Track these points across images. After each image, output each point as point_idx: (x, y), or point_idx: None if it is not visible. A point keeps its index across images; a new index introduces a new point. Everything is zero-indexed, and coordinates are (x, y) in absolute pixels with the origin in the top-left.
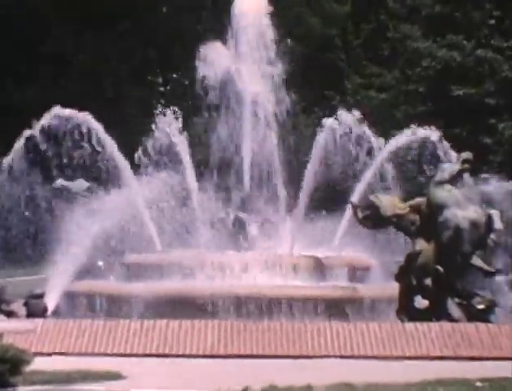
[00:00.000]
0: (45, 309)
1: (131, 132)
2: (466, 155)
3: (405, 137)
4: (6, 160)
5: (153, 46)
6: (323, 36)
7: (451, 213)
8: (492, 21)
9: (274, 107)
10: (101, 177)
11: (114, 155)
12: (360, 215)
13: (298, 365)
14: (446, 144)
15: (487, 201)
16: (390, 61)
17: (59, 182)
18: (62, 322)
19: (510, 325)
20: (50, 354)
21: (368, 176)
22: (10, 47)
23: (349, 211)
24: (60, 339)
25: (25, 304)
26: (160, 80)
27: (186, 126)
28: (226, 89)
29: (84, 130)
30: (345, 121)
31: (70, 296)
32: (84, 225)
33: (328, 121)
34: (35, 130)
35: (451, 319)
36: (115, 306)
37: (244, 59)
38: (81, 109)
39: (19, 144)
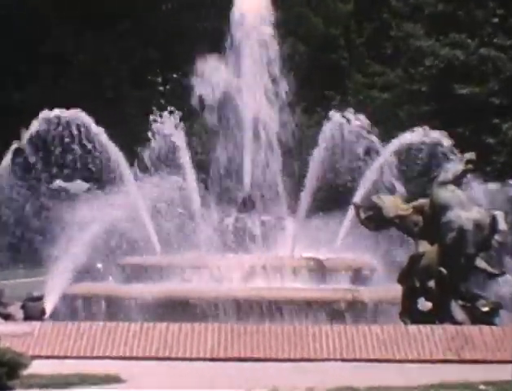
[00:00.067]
0: (43, 312)
1: (131, 132)
2: (470, 155)
3: (408, 137)
4: (3, 162)
5: (153, 45)
6: (325, 35)
7: (454, 214)
8: (496, 19)
9: (275, 109)
10: (100, 177)
11: (112, 155)
12: (363, 216)
13: (300, 368)
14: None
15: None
16: (393, 60)
17: (57, 183)
18: (60, 324)
19: None
20: (48, 357)
21: (370, 176)
22: (10, 47)
23: (351, 212)
24: (58, 342)
25: (23, 306)
26: (160, 79)
27: (186, 126)
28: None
29: (76, 129)
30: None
31: (68, 299)
32: (82, 226)
33: (336, 115)
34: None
35: (454, 322)
36: (114, 309)
37: (245, 75)
38: (81, 109)
39: (18, 146)
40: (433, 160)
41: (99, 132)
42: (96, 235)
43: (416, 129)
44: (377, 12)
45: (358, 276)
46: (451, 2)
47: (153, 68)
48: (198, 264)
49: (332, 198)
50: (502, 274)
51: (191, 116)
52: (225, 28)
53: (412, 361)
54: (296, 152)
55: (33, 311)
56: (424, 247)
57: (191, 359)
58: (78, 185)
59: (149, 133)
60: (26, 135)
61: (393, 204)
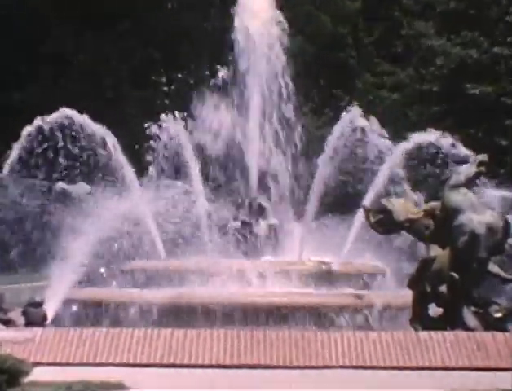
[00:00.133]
0: (44, 318)
1: (133, 132)
2: (482, 157)
3: (418, 139)
4: (5, 164)
5: (156, 45)
6: (333, 33)
7: (466, 218)
8: (509, 18)
9: (281, 108)
10: (103, 180)
11: (116, 158)
12: (372, 219)
13: (308, 375)
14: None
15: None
16: (404, 59)
17: (60, 185)
18: (62, 330)
19: None
20: (49, 364)
21: (380, 179)
22: (10, 47)
23: (361, 215)
24: (60, 348)
25: (24, 312)
26: (164, 80)
27: (191, 126)
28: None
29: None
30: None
31: (71, 304)
32: (85, 230)
33: (348, 114)
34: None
35: (466, 328)
36: (118, 314)
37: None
38: (81, 109)
39: (17, 147)
40: (445, 161)
41: (105, 134)
42: (99, 240)
43: (427, 130)
44: (387, 10)
45: (367, 281)
46: None
47: (156, 68)
48: (204, 269)
49: (340, 201)
50: None
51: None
52: (228, 29)
53: (423, 368)
54: (304, 154)
55: (34, 317)
56: (435, 251)
57: (196, 366)
58: (81, 187)
59: (152, 137)
60: (28, 136)
61: (403, 207)
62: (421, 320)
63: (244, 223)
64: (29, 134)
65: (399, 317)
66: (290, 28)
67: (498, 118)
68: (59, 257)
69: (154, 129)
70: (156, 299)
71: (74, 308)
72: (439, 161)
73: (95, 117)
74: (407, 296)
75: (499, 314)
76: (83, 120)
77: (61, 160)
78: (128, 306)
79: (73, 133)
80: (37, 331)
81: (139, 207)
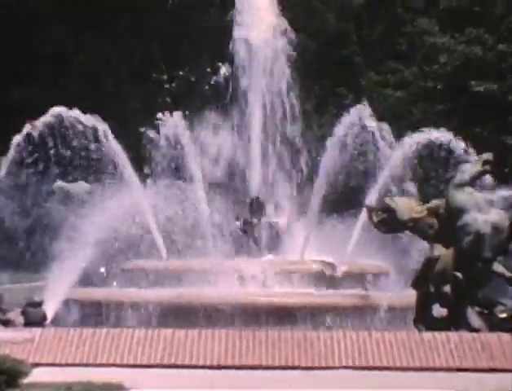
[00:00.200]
0: (43, 318)
1: (134, 130)
2: (487, 156)
3: (421, 136)
4: (2, 163)
5: (156, 42)
6: (336, 30)
7: (471, 217)
8: None
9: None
10: (103, 179)
11: (116, 156)
12: (376, 219)
13: (310, 376)
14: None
15: None
16: (408, 57)
17: (59, 184)
18: (62, 331)
19: None
20: (49, 365)
21: (384, 177)
22: (10, 47)
23: (364, 214)
24: (60, 349)
25: (23, 312)
26: (165, 77)
27: (193, 126)
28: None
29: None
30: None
31: (70, 304)
32: (85, 229)
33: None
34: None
35: (471, 329)
36: (118, 314)
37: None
38: (81, 109)
39: (14, 146)
40: (449, 160)
41: (105, 132)
42: (99, 239)
43: (429, 129)
44: (390, 7)
45: (371, 281)
46: None
47: (156, 66)
48: (205, 269)
49: (343, 200)
50: None
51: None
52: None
53: (426, 369)
54: (306, 152)
55: (33, 317)
56: (439, 250)
57: (197, 367)
58: (80, 186)
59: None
60: (26, 134)
61: (407, 206)
62: (424, 320)
63: (245, 222)
64: (18, 144)
65: (404, 317)
66: (292, 25)
67: (503, 116)
68: (59, 257)
69: (152, 133)
70: (157, 299)
71: (74, 308)
72: (443, 159)
73: (96, 116)
74: (411, 296)
75: (504, 315)
76: (73, 114)
77: (55, 158)
78: (128, 306)
79: (63, 130)
80: (37, 331)
81: (139, 206)
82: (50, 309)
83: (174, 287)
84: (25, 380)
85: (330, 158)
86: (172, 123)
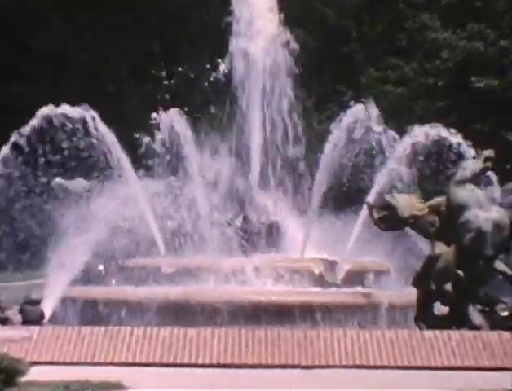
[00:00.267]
0: (41, 316)
1: (134, 128)
2: (488, 152)
3: (422, 133)
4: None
5: (155, 38)
6: (336, 27)
7: (472, 214)
8: None
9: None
10: (102, 176)
11: (115, 153)
12: (376, 216)
13: (310, 375)
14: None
15: None
16: (409, 53)
17: (57, 181)
18: (60, 329)
19: None
20: (47, 364)
21: (384, 174)
22: (10, 47)
23: (364, 211)
24: (58, 347)
25: (21, 310)
26: (164, 74)
27: (192, 122)
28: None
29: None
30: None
31: (69, 302)
32: (83, 227)
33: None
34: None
35: (472, 327)
36: (116, 313)
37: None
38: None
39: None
40: (449, 157)
41: (103, 128)
42: (98, 236)
43: (431, 124)
44: (391, 2)
45: (371, 279)
46: None
47: (155, 62)
48: (204, 267)
49: (344, 197)
50: None
51: (197, 111)
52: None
53: (427, 368)
54: (306, 149)
55: (31, 315)
56: (440, 248)
57: (196, 366)
58: (79, 183)
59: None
60: (24, 131)
61: (408, 203)
62: (425, 319)
63: (245, 220)
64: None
65: (405, 315)
66: (291, 21)
67: (505, 112)
68: (57, 254)
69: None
70: (155, 297)
71: (72, 306)
72: (444, 156)
73: (97, 114)
74: (412, 294)
75: (505, 313)
76: (62, 110)
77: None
78: (127, 304)
79: (52, 130)
80: (35, 329)
81: (137, 203)
82: (48, 307)
83: (171, 285)
84: (23, 379)
85: (330, 155)
86: (170, 119)
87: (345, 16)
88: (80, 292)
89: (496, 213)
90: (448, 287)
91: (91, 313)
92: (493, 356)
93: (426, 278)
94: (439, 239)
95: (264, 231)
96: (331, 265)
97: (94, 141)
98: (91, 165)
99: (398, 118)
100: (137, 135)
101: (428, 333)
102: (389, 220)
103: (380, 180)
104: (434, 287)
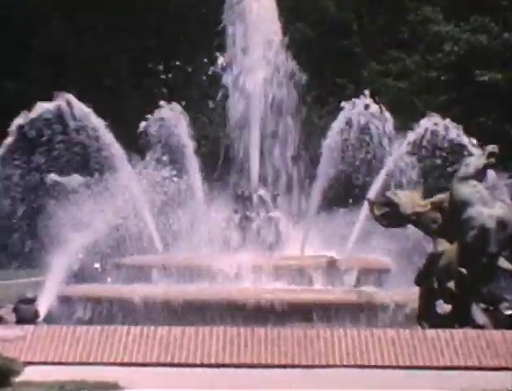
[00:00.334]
0: (36, 315)
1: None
2: (492, 148)
3: (425, 127)
4: None
5: (153, 33)
6: (337, 19)
7: (476, 211)
8: None
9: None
10: (98, 171)
11: (111, 149)
12: (378, 213)
13: (310, 375)
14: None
15: None
16: (411, 46)
17: (52, 177)
18: (55, 328)
19: None
20: (41, 363)
21: (386, 170)
22: (10, 47)
23: (366, 208)
24: (53, 347)
25: (15, 309)
26: (161, 68)
27: (189, 117)
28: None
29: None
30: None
31: (64, 301)
32: (79, 224)
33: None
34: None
35: (476, 326)
36: (112, 311)
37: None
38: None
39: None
40: (453, 152)
41: (98, 123)
42: (93, 233)
43: (433, 117)
44: None
45: (372, 277)
46: None
47: (153, 56)
48: (202, 264)
49: (344, 193)
50: None
51: (195, 106)
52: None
53: (430, 367)
54: (306, 144)
55: (25, 314)
56: (443, 245)
57: (194, 365)
58: (74, 179)
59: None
60: (17, 127)
61: (410, 199)
62: (428, 317)
63: (244, 217)
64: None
65: (407, 314)
66: (291, 15)
67: (508, 106)
68: (52, 252)
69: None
70: (154, 295)
71: (67, 305)
72: (446, 151)
73: (95, 110)
74: (414, 292)
75: (509, 312)
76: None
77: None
78: (123, 303)
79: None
80: (29, 328)
81: (134, 198)
82: (42, 305)
83: (171, 283)
84: (17, 379)
85: (331, 150)
86: (169, 114)
87: (345, 9)
88: (75, 291)
89: (499, 210)
90: (451, 285)
91: (87, 311)
92: (497, 355)
93: (429, 276)
94: (441, 237)
95: (263, 227)
96: (333, 263)
97: (90, 132)
98: (86, 160)
99: (400, 112)
100: (140, 128)
101: (430, 332)
102: (390, 217)
103: (383, 174)
104: (436, 285)
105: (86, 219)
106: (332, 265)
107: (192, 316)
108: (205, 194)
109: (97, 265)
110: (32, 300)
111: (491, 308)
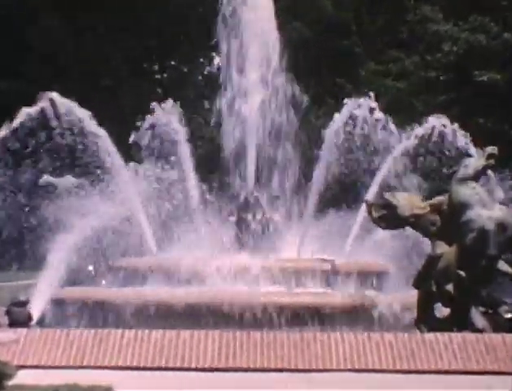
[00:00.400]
0: (29, 318)
1: (128, 125)
2: (491, 149)
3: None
4: None
5: (149, 32)
6: (335, 19)
7: (475, 213)
8: None
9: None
10: (92, 172)
11: (105, 149)
12: (375, 215)
13: (307, 379)
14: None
15: None
16: (410, 46)
17: (45, 178)
18: (48, 331)
19: None
20: (34, 367)
21: (384, 171)
22: (10, 47)
23: (363, 210)
24: (46, 350)
25: (7, 312)
26: (156, 67)
27: (185, 117)
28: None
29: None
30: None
31: (57, 304)
32: (72, 225)
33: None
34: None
35: (475, 329)
36: (106, 314)
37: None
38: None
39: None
40: (451, 154)
41: (90, 123)
42: (87, 235)
43: (432, 118)
44: None
45: (370, 280)
46: None
47: (148, 56)
48: (197, 266)
49: (342, 195)
50: None
51: (190, 107)
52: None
53: (428, 371)
54: (304, 145)
55: (18, 317)
56: (442, 248)
57: (189, 369)
58: (68, 180)
59: (145, 125)
60: (10, 128)
61: (408, 201)
62: (426, 321)
63: (240, 218)
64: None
65: (405, 318)
66: (288, 14)
67: (508, 107)
68: (45, 254)
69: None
70: (149, 298)
71: (61, 308)
72: (445, 153)
73: (92, 110)
74: (413, 296)
75: (509, 315)
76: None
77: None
78: (117, 306)
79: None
80: (22, 331)
81: (129, 199)
82: (35, 308)
83: (166, 285)
84: (10, 383)
85: (328, 151)
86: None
87: (345, 9)
88: (69, 293)
89: (499, 212)
90: (450, 288)
91: (81, 314)
92: (496, 359)
93: (427, 278)
94: (440, 239)
95: (259, 229)
96: (331, 265)
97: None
98: (83, 163)
99: (398, 113)
100: (139, 124)
101: (429, 336)
102: (389, 219)
103: (381, 175)
104: (435, 288)
105: (79, 220)
106: (329, 268)
107: (184, 319)
108: (201, 195)
109: (91, 268)
110: (24, 303)
111: (490, 311)
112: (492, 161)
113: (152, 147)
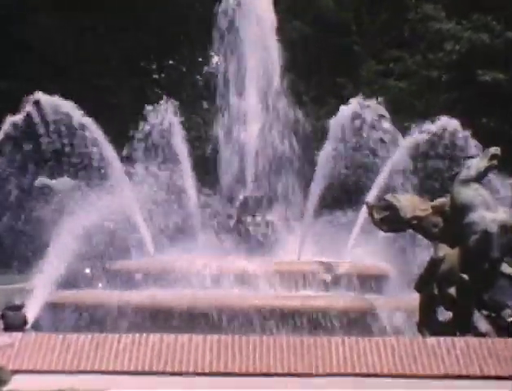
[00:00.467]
0: (24, 322)
1: (124, 124)
2: (494, 150)
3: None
4: None
5: (147, 31)
6: (336, 17)
7: (478, 215)
8: None
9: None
10: (88, 173)
11: (102, 150)
12: (377, 217)
13: (307, 384)
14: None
15: None
16: (411, 45)
17: (41, 180)
18: (43, 336)
19: None
20: (30, 372)
21: (385, 173)
22: (10, 47)
23: (364, 212)
24: (42, 355)
25: (2, 316)
26: (154, 67)
27: (183, 117)
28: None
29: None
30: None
31: (53, 308)
32: (69, 228)
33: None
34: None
35: (477, 333)
36: (103, 318)
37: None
38: (81, 108)
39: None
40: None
41: (88, 124)
42: (84, 238)
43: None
44: None
45: (371, 283)
46: None
47: (146, 55)
48: (195, 269)
49: (343, 197)
50: None
51: (188, 107)
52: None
53: (431, 376)
54: (304, 146)
55: (13, 321)
56: (444, 250)
57: (187, 373)
58: (64, 182)
59: (142, 125)
60: (4, 129)
61: (410, 203)
62: (428, 325)
63: (239, 220)
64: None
65: (406, 322)
66: (288, 13)
67: (511, 106)
68: (41, 257)
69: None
70: (146, 301)
71: (57, 311)
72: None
73: (90, 111)
74: (415, 299)
75: None
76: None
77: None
78: (114, 309)
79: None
80: (17, 336)
81: (126, 201)
82: (31, 312)
83: (163, 288)
84: (5, 388)
85: (328, 152)
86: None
87: (345, 8)
88: (65, 297)
89: (503, 214)
90: (452, 291)
91: (77, 318)
92: (499, 364)
93: (429, 282)
94: (442, 241)
95: (258, 232)
96: (328, 268)
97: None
98: (79, 165)
99: (399, 113)
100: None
101: (431, 340)
102: (390, 221)
103: (382, 177)
104: (437, 291)
105: (75, 223)
106: (329, 271)
107: (180, 323)
108: (198, 196)
109: (87, 271)
110: (19, 307)
111: (493, 315)
112: (494, 162)
113: (149, 148)
